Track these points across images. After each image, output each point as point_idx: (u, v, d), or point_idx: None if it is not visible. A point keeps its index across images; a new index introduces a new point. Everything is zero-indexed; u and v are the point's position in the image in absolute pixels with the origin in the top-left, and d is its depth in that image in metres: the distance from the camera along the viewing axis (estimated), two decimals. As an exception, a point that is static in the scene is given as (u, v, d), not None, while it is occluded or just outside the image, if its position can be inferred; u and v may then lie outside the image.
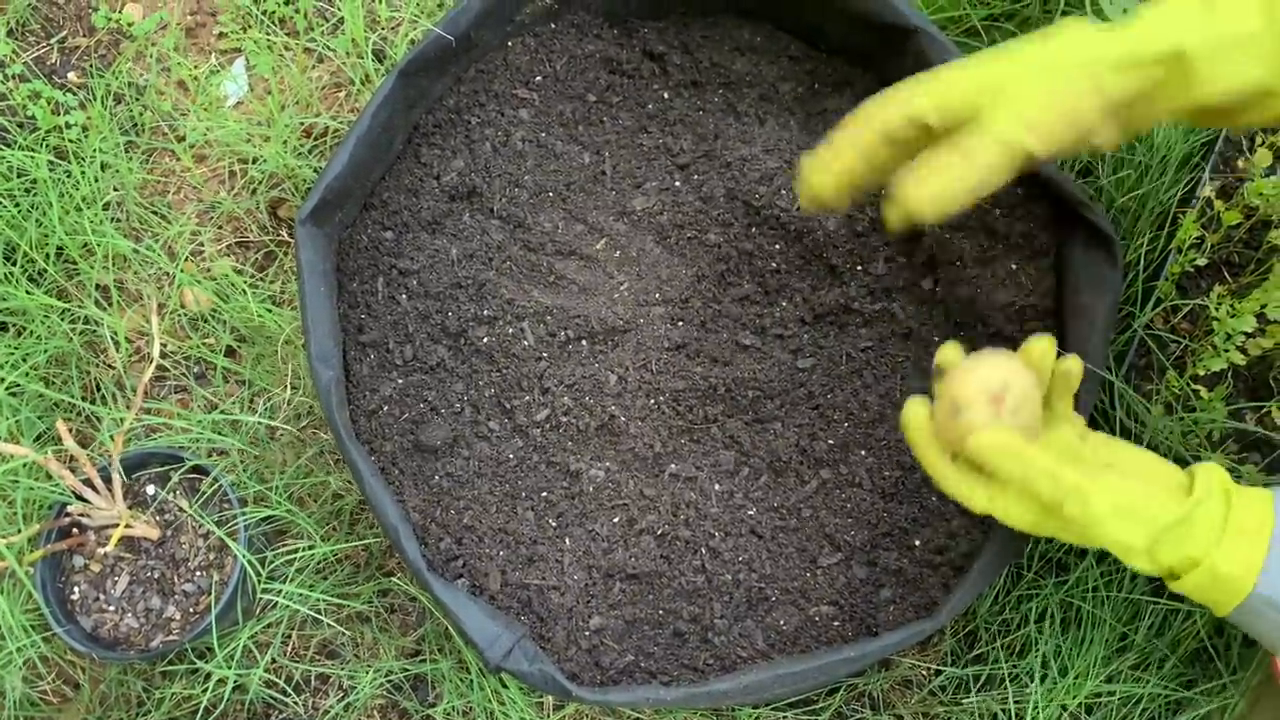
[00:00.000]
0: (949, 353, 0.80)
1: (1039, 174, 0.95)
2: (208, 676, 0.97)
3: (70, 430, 1.08)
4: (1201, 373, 0.93)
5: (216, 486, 0.99)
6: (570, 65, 1.11)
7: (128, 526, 0.95)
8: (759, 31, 1.11)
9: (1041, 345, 0.78)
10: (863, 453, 0.98)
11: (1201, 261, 0.98)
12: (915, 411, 0.79)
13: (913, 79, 0.71)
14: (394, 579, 1.04)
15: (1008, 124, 0.67)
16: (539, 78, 1.11)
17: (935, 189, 0.69)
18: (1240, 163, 1.04)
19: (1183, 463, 0.93)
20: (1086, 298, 0.91)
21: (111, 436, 0.95)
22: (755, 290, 1.04)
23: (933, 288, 1.00)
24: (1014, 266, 0.95)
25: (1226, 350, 0.93)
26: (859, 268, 1.02)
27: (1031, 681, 0.96)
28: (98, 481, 0.94)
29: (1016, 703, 0.96)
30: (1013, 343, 0.96)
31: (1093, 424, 0.99)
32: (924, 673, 1.03)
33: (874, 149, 0.73)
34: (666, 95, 1.11)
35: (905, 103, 0.71)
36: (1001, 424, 0.74)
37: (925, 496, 0.96)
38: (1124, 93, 0.67)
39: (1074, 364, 0.78)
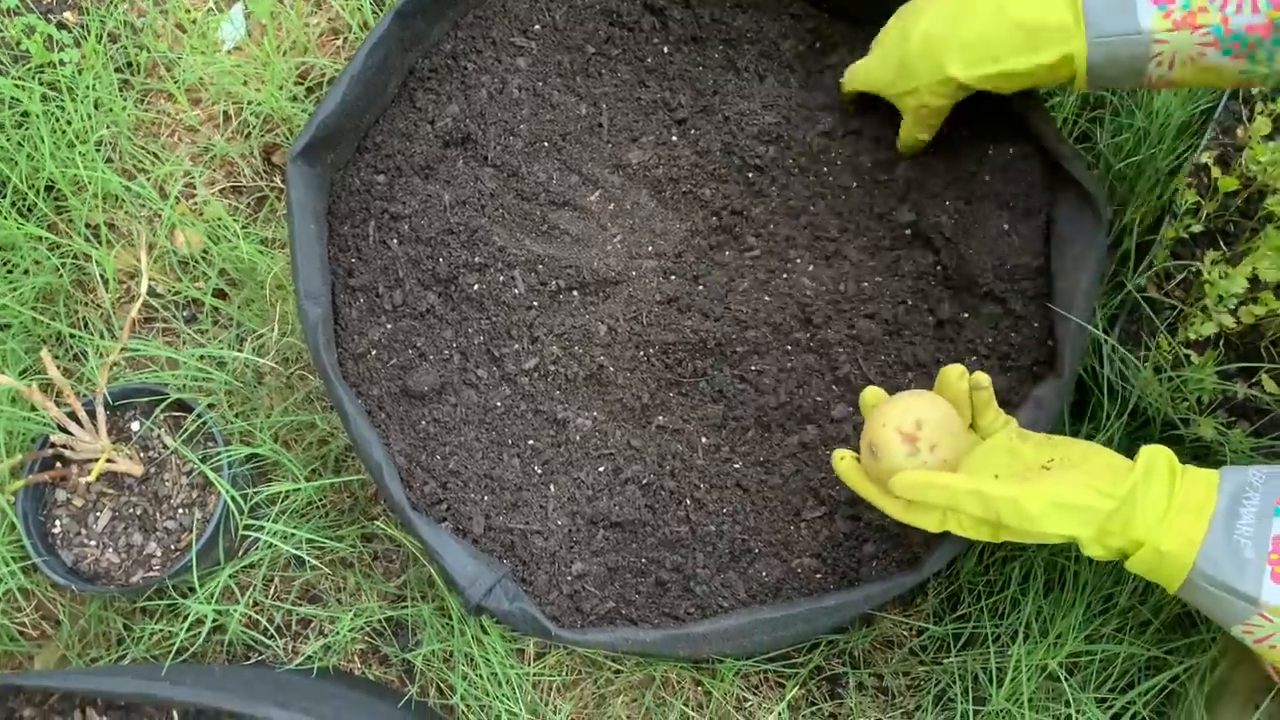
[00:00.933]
0: (869, 395, 0.86)
1: (1032, 133, 0.95)
2: (188, 616, 0.96)
3: (55, 365, 1.08)
4: (1193, 336, 0.93)
5: (201, 422, 0.98)
6: (570, 15, 1.10)
7: (109, 460, 0.94)
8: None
9: (953, 372, 0.82)
10: (849, 409, 0.97)
11: (1197, 228, 0.98)
12: (843, 463, 0.86)
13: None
14: (378, 523, 1.04)
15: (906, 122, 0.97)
16: (538, 26, 1.10)
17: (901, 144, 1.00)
18: (1239, 131, 1.04)
19: (1172, 426, 0.94)
20: (1074, 256, 0.91)
21: (97, 369, 0.94)
22: (750, 245, 1.04)
23: (928, 248, 1.00)
24: (1005, 226, 0.95)
25: (1219, 313, 0.92)
26: (858, 232, 1.02)
27: (1013, 642, 0.96)
28: (81, 414, 0.93)
29: (998, 663, 0.96)
30: (1004, 303, 0.96)
31: (1080, 386, 0.99)
32: (906, 631, 1.02)
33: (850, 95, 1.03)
34: (666, 50, 1.11)
35: (851, 78, 1.01)
36: (918, 460, 0.78)
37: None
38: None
39: (979, 377, 0.82)
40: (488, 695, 0.97)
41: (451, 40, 1.08)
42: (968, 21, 0.87)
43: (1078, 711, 0.92)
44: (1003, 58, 0.86)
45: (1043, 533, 0.74)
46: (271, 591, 1.06)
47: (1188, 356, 0.93)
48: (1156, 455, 0.75)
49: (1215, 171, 0.99)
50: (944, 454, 0.79)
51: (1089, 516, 0.73)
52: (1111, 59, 0.82)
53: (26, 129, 1.08)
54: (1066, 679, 0.93)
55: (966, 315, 0.97)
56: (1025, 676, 0.92)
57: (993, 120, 0.98)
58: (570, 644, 0.87)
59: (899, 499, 0.81)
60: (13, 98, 1.08)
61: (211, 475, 0.92)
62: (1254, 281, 0.93)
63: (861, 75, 0.99)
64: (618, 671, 1.01)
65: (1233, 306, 0.91)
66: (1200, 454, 0.95)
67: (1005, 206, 0.96)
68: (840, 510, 0.95)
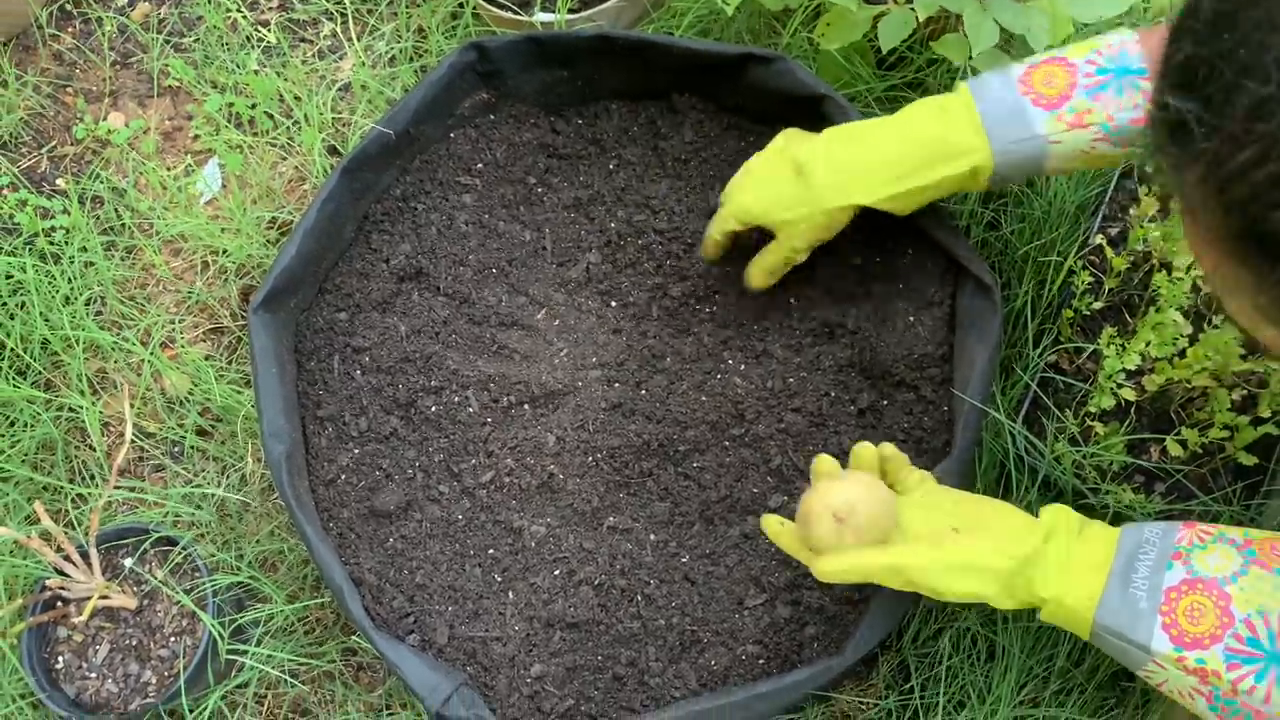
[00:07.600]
0: (822, 464, 0.91)
1: (929, 235, 1.03)
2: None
3: (57, 511, 1.17)
4: (1094, 410, 0.99)
5: (185, 555, 1.06)
6: (510, 152, 1.20)
7: (103, 597, 1.02)
8: (692, 106, 1.19)
9: (866, 451, 0.90)
10: (784, 498, 1.04)
11: (1098, 305, 1.05)
12: (772, 528, 0.93)
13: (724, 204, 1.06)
14: (354, 637, 1.11)
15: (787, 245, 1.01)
16: (480, 165, 1.20)
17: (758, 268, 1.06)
18: (1133, 210, 1.11)
19: (1081, 496, 0.99)
20: (973, 342, 0.98)
21: (88, 514, 1.03)
22: (687, 351, 1.11)
23: (845, 343, 1.07)
24: (911, 318, 1.02)
25: (1118, 388, 0.98)
26: (781, 332, 1.10)
27: (958, 712, 1.00)
28: (75, 556, 1.02)
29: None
30: (915, 389, 1.02)
31: (1001, 467, 1.05)
32: (862, 705, 1.07)
33: (724, 237, 1.07)
34: (602, 173, 1.20)
35: (724, 221, 1.05)
36: (841, 540, 0.84)
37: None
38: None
39: (884, 447, 0.90)
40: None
41: (401, 185, 1.18)
42: (875, 144, 0.94)
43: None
44: (912, 174, 0.92)
45: (951, 591, 0.81)
46: (265, 707, 1.12)
47: (1091, 429, 1.00)
48: (1058, 515, 0.82)
49: (1109, 252, 1.06)
50: (868, 537, 0.84)
51: (991, 576, 0.79)
52: (1013, 163, 0.90)
53: (20, 295, 1.19)
54: (1007, 744, 0.97)
55: (885, 403, 1.04)
56: (967, 745, 0.97)
57: (891, 225, 1.05)
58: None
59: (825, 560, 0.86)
60: (7, 270, 1.19)
61: (194, 608, 1.00)
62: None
63: (751, 209, 1.01)
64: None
65: (1122, 381, 0.97)
66: (1117, 520, 1.00)
67: (909, 300, 1.04)
68: (780, 596, 1.01)
